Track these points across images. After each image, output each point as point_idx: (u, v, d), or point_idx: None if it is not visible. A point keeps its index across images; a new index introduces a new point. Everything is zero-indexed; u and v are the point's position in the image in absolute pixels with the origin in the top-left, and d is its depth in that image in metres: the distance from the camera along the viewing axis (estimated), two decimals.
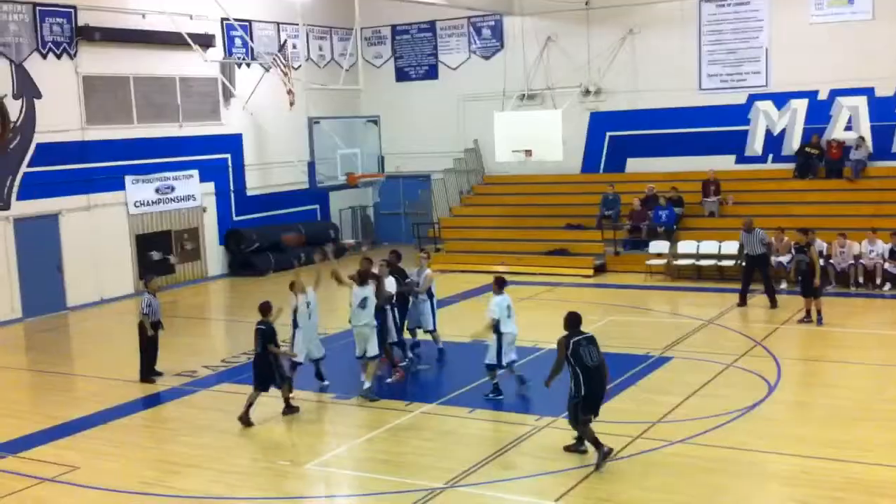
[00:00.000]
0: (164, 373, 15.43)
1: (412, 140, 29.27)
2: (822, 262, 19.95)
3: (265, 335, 12.90)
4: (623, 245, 24.26)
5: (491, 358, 13.41)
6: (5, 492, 10.84)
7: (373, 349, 13.82)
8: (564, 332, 10.95)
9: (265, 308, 13.17)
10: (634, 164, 26.95)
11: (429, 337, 16.12)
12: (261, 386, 12.96)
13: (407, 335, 15.73)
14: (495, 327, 13.32)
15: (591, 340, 10.94)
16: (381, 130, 26.91)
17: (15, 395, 15.52)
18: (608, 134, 27.34)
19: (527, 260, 24.19)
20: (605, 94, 27.11)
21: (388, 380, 14.63)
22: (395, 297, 14.91)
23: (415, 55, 30.27)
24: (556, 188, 27.31)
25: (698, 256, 22.45)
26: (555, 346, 11.05)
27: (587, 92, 27.13)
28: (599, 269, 23.56)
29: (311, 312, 14.09)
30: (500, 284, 13.58)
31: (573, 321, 11.04)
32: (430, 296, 15.88)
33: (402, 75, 30.50)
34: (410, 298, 15.69)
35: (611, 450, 10.76)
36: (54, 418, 13.53)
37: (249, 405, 12.83)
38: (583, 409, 10.75)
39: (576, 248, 24.29)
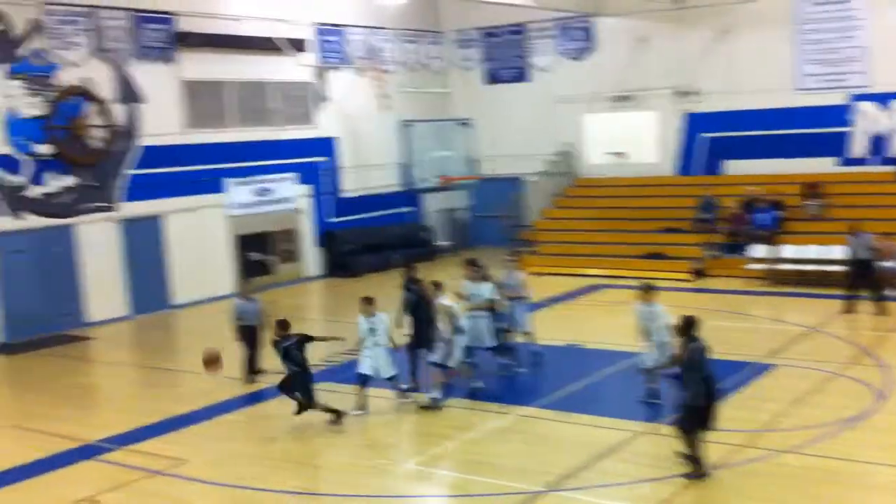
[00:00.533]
0: (262, 371, 15.43)
1: (505, 142, 29.26)
2: None
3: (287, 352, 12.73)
4: (721, 249, 23.83)
5: (653, 361, 12.94)
6: (115, 483, 11.22)
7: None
8: (683, 336, 10.42)
9: (283, 324, 13.11)
10: (731, 166, 26.45)
11: (523, 340, 16.10)
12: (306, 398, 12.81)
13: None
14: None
15: (707, 349, 10.44)
16: (472, 133, 26.96)
17: (125, 390, 16.08)
18: (704, 135, 26.88)
19: (621, 263, 23.92)
20: (700, 95, 26.67)
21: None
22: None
23: (505, 58, 30.25)
24: (651, 191, 26.97)
25: (800, 261, 21.89)
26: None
27: (682, 93, 26.74)
28: (697, 274, 23.17)
29: (376, 335, 13.37)
30: (649, 291, 13.21)
31: (694, 325, 10.48)
32: (522, 299, 15.84)
33: (492, 78, 30.52)
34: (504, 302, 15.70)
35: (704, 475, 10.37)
36: (162, 413, 13.94)
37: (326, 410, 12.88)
38: (699, 421, 10.28)
39: (672, 251, 23.96)
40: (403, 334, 14.37)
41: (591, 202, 27.79)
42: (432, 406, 13.42)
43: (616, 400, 14.07)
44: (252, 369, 15.56)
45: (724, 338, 16.96)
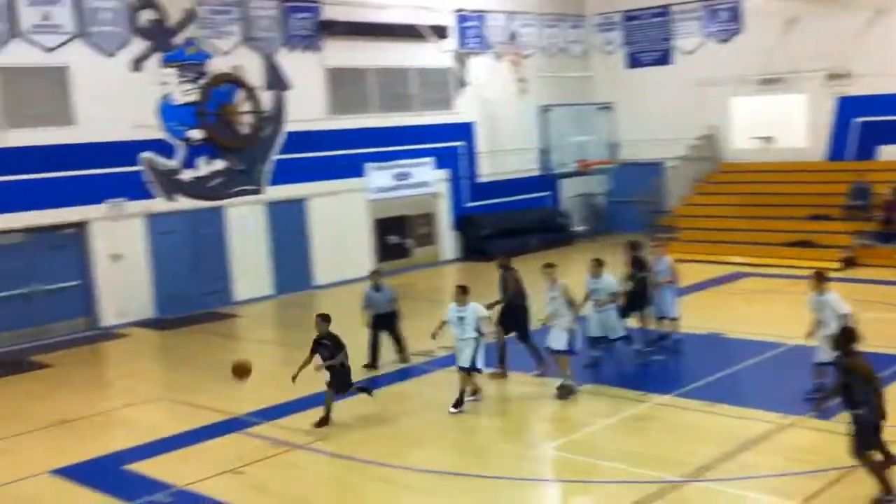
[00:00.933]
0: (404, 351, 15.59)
1: (644, 127, 28.73)
2: None
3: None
4: (874, 237, 22.74)
5: (826, 355, 11.70)
6: (260, 456, 11.64)
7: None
8: (844, 351, 9.42)
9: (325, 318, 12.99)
10: (886, 152, 25.18)
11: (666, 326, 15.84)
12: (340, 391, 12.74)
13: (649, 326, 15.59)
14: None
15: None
16: (613, 117, 26.58)
17: (269, 367, 16.59)
18: (857, 119, 25.69)
19: (766, 251, 23.17)
20: (853, 77, 25.47)
21: (534, 372, 14.35)
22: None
23: (647, 41, 29.67)
24: (798, 177, 25.93)
25: None
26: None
27: (834, 76, 25.59)
28: (847, 263, 22.19)
29: (463, 324, 13.01)
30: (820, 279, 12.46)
31: (854, 339, 9.50)
32: (671, 284, 15.59)
33: (634, 61, 29.99)
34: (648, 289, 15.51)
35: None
36: (304, 389, 14.32)
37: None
38: (876, 435, 9.30)
39: (820, 239, 23.02)
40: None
41: (735, 188, 26.97)
42: (567, 392, 13.30)
43: (758, 391, 13.65)
44: (397, 350, 15.68)
45: (878, 330, 16.21)
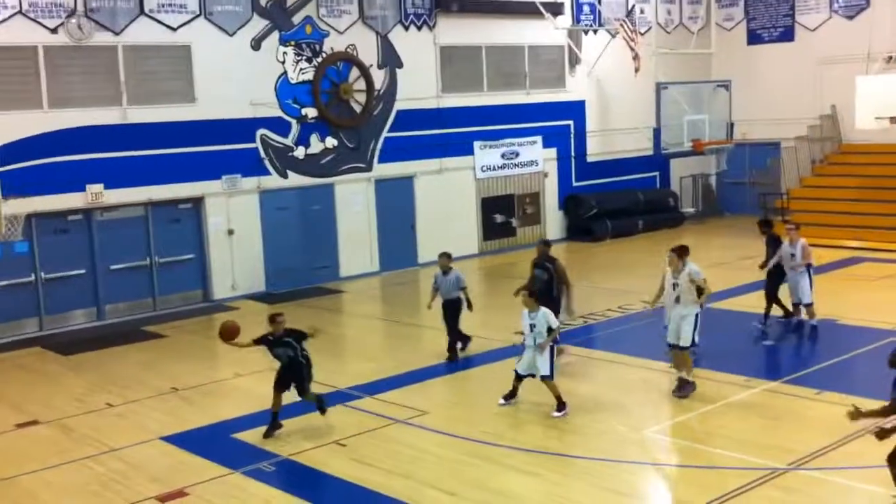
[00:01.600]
0: (458, 353, 14.76)
1: (763, 106, 27.91)
2: None
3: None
4: None
5: None
6: (363, 429, 11.87)
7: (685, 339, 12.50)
8: None
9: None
10: None
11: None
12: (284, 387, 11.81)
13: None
14: None
15: None
16: (730, 96, 25.89)
17: (372, 342, 16.94)
18: None
19: (886, 236, 22.32)
20: None
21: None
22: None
23: (769, 16, 28.75)
24: None
25: None
26: None
27: None
28: None
29: (534, 335, 12.15)
30: None
31: None
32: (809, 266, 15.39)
33: (754, 38, 29.11)
34: (788, 272, 15.25)
35: None
36: (406, 365, 14.57)
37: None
38: None
39: None
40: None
41: (856, 169, 25.97)
42: (688, 389, 12.63)
43: (869, 379, 13.10)
44: (451, 346, 14.77)
45: None
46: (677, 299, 12.55)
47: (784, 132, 27.26)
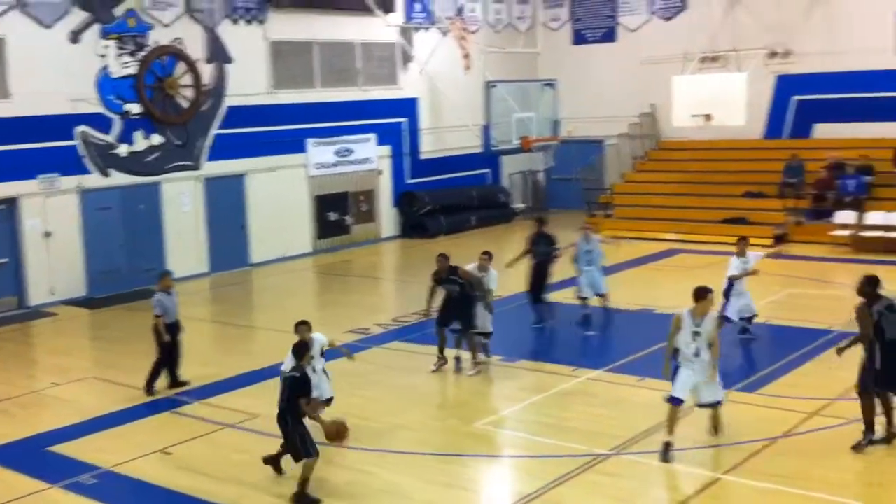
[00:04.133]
0: (189, 381, 13.53)
1: (588, 104, 28.86)
2: None
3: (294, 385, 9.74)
4: (806, 215, 23.17)
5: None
6: (191, 435, 11.55)
7: None
8: (863, 300, 10.07)
9: (300, 348, 10.29)
10: (822, 130, 25.61)
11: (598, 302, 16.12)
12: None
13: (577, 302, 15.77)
14: None
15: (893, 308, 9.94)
16: (557, 94, 26.67)
17: (202, 345, 16.45)
18: (795, 98, 26.07)
19: (702, 228, 23.51)
20: (794, 56, 25.80)
21: (470, 373, 13.60)
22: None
23: (593, 17, 29.77)
24: (736, 154, 26.34)
25: (888, 228, 21.16)
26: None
27: (774, 54, 25.90)
28: (780, 240, 22.61)
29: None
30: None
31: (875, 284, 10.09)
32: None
33: (579, 38, 30.08)
34: (580, 266, 15.86)
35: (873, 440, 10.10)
36: (237, 368, 14.27)
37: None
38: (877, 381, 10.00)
39: (755, 216, 23.38)
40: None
41: (674, 165, 27.29)
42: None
43: None
44: (175, 378, 13.53)
45: (806, 305, 16.68)
46: (697, 353, 10.34)
47: (608, 130, 28.32)
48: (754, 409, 11.61)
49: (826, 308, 16.31)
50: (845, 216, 21.86)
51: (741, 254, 14.40)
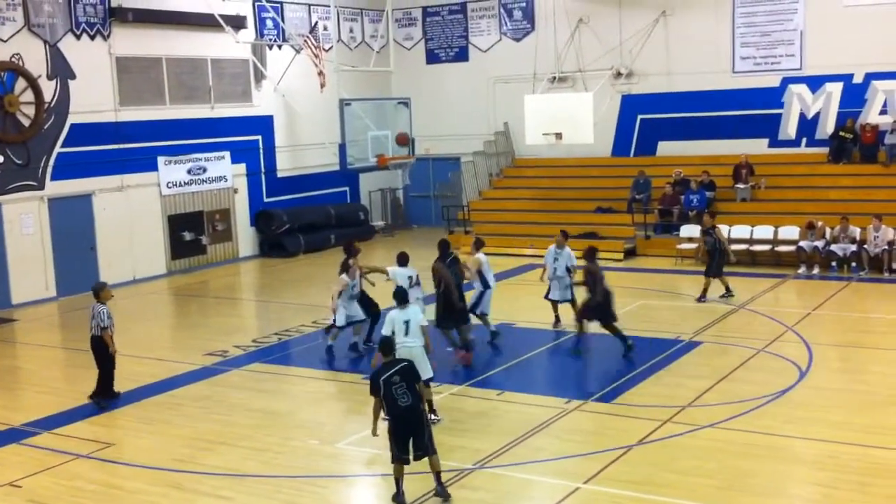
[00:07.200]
0: (121, 393, 13.62)
1: (443, 122, 29.26)
2: (854, 247, 20.50)
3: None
4: (653, 229, 24.14)
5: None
6: (41, 467, 11.03)
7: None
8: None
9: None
10: (666, 148, 26.77)
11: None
12: None
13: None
14: None
15: None
16: (411, 112, 26.91)
17: (50, 373, 15.77)
18: (640, 117, 27.17)
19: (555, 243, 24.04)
20: (636, 76, 26.90)
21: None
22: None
23: (445, 37, 30.21)
24: (586, 171, 27.21)
25: (729, 241, 22.20)
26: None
27: (619, 74, 26.94)
28: (629, 253, 23.49)
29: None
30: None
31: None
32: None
33: (432, 57, 30.46)
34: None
35: None
36: (82, 397, 13.69)
37: None
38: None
39: (605, 231, 24.16)
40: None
41: (528, 182, 27.95)
42: None
43: (544, 377, 14.29)
44: (110, 390, 13.55)
45: (653, 316, 17.37)
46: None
47: (464, 147, 28.77)
48: (612, 418, 11.98)
49: (674, 318, 17.03)
50: (690, 230, 22.83)
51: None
